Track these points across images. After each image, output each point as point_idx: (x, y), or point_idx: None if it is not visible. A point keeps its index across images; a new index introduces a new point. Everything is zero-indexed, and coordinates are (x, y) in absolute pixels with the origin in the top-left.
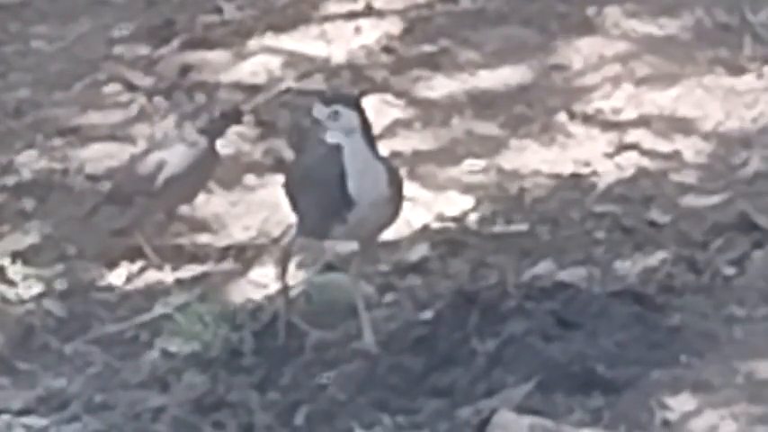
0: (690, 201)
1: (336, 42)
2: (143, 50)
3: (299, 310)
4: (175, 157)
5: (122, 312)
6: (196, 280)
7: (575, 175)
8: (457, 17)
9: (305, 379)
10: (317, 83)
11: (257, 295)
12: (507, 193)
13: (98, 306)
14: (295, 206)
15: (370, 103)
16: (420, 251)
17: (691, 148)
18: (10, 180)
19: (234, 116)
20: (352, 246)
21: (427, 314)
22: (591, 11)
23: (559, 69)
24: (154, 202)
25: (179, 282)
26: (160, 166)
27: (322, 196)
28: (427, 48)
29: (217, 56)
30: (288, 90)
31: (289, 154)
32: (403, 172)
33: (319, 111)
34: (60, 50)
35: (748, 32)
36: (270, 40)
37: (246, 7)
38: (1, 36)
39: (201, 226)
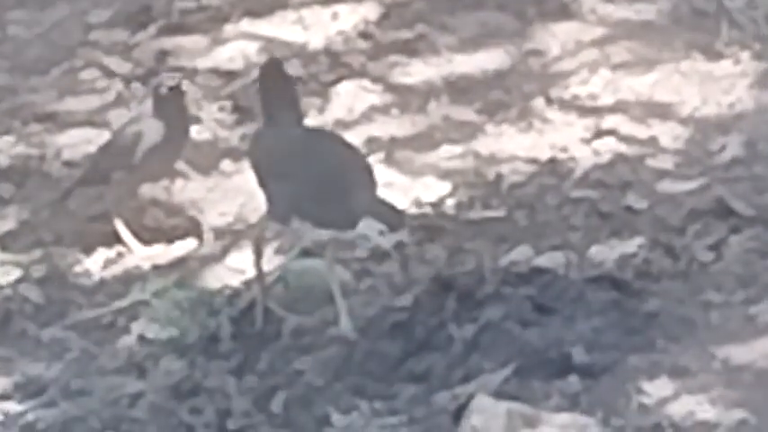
0: (667, 186)
1: (313, 28)
2: (120, 36)
3: (276, 296)
4: (151, 130)
5: (99, 298)
6: (173, 266)
7: (552, 161)
8: (434, 3)
9: (282, 364)
10: (294, 68)
11: (234, 281)
12: (484, 179)
13: (75, 292)
14: (264, 187)
15: (347, 88)
16: (397, 236)
17: (668, 134)
18: None
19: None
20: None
21: (404, 300)
22: None
23: (536, 55)
24: (133, 176)
25: (156, 267)
26: (137, 138)
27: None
28: (404, 33)
29: (194, 41)
30: None
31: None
32: (380, 157)
33: None
34: (37, 36)
35: (725, 18)
36: (247, 25)
37: None
38: None
39: (178, 211)
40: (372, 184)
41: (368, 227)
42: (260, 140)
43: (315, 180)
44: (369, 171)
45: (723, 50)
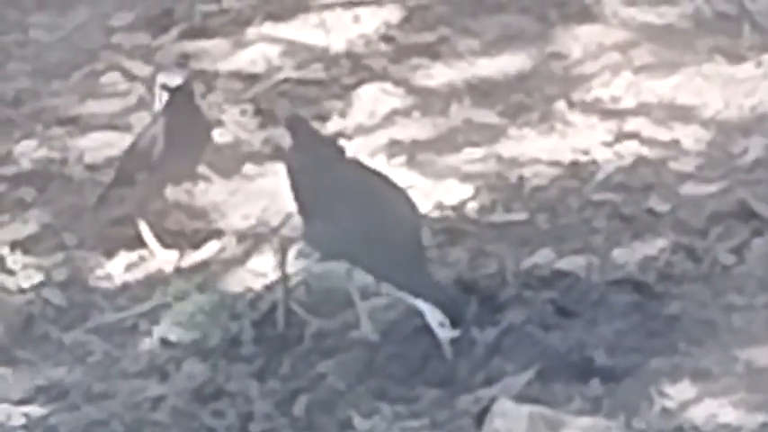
0: (689, 189)
1: (335, 31)
2: (142, 40)
3: (299, 299)
4: (168, 128)
5: (122, 301)
6: (195, 269)
7: (574, 164)
8: (456, 5)
9: (304, 368)
10: (315, 72)
11: (256, 284)
12: (506, 182)
13: (97, 295)
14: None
15: (368, 92)
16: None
17: (690, 137)
18: (9, 170)
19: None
20: None
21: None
22: None
23: (558, 58)
24: (154, 178)
25: (178, 271)
26: (154, 139)
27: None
28: (426, 36)
29: (215, 45)
30: (287, 79)
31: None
32: (402, 160)
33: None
34: (59, 40)
35: (747, 21)
36: (268, 28)
37: None
38: None
39: (200, 214)
40: (417, 229)
41: (430, 314)
42: (304, 167)
43: (364, 228)
44: (413, 213)
45: (745, 53)
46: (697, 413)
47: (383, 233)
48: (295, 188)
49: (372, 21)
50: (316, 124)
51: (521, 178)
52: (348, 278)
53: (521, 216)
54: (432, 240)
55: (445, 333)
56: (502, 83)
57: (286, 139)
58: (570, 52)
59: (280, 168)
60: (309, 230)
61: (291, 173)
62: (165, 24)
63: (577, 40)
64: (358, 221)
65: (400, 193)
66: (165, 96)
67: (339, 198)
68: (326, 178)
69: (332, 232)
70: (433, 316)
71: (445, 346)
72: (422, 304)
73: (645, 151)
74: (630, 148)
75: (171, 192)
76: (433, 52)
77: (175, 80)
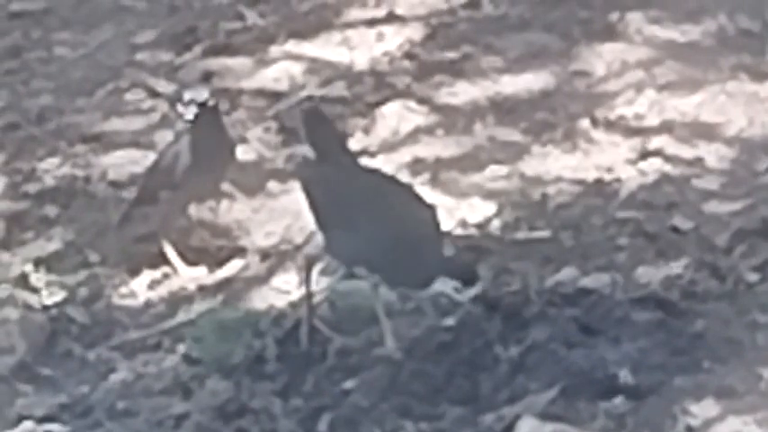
0: (713, 207)
1: (359, 49)
2: (165, 57)
3: (322, 317)
4: (190, 147)
5: (145, 319)
6: (219, 287)
7: (597, 182)
8: (479, 23)
9: (328, 385)
10: (339, 89)
11: (280, 302)
12: (530, 200)
13: (121, 313)
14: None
15: (392, 109)
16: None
17: (713, 154)
18: (33, 187)
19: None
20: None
21: (450, 320)
22: (613, 17)
23: (582, 75)
24: (177, 196)
25: (202, 288)
26: (177, 157)
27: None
28: (449, 54)
29: (239, 62)
30: (310, 97)
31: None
32: (426, 178)
33: None
34: (83, 57)
35: None
36: (292, 46)
37: (269, 14)
38: (24, 43)
39: (224, 232)
40: (440, 236)
41: (443, 284)
42: (318, 179)
43: (385, 235)
44: (435, 221)
45: None
46: (721, 431)
47: (399, 238)
48: (311, 200)
49: (396, 38)
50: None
51: (544, 196)
52: (374, 295)
53: (544, 234)
54: (458, 256)
55: (464, 296)
56: (525, 100)
57: (307, 151)
58: (594, 70)
59: None
60: (329, 241)
61: (306, 185)
62: (188, 42)
63: (601, 58)
64: (376, 228)
65: (414, 196)
66: (193, 111)
67: (354, 206)
68: (341, 187)
69: (350, 241)
70: (447, 285)
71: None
72: (436, 286)
73: (668, 169)
74: (654, 166)
75: (194, 209)
76: (456, 70)
77: (202, 95)
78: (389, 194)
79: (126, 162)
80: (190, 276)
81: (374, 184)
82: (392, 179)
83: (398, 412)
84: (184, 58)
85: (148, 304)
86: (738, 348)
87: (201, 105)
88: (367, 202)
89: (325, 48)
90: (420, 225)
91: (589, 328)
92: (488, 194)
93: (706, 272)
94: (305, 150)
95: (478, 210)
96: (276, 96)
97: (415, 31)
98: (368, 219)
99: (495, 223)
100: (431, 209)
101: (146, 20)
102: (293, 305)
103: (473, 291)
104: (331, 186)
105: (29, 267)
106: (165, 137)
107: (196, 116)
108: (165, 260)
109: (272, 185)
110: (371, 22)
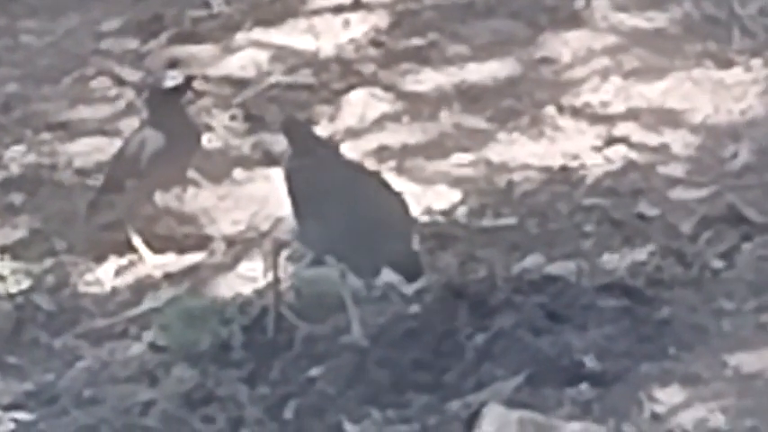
0: (678, 194)
1: (324, 36)
2: (131, 45)
3: (289, 304)
4: (154, 136)
5: (111, 307)
6: (185, 274)
7: (563, 169)
8: (445, 10)
9: (294, 373)
10: (305, 77)
11: (246, 289)
12: (496, 187)
13: (87, 300)
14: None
15: (358, 96)
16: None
17: (679, 141)
18: None
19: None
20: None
21: (416, 308)
22: (579, 4)
23: (548, 63)
24: (143, 184)
25: (168, 276)
26: (142, 145)
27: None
28: (415, 41)
29: (205, 50)
30: (276, 84)
31: (279, 148)
32: (391, 165)
33: None
34: (49, 45)
35: (737, 25)
36: (258, 34)
37: (234, 1)
38: None
39: (190, 220)
40: (407, 231)
41: (388, 276)
42: (299, 171)
43: (351, 225)
44: (405, 216)
45: (735, 58)
46: (686, 418)
47: (367, 226)
48: (292, 190)
49: (361, 26)
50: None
51: (510, 183)
52: (341, 283)
53: (510, 221)
54: (422, 246)
55: (409, 289)
56: (491, 88)
57: (279, 144)
58: (560, 57)
59: (270, 173)
60: (302, 230)
61: (289, 175)
62: (154, 29)
63: (567, 45)
64: (343, 217)
65: (393, 193)
66: (156, 99)
67: (331, 198)
68: (321, 179)
69: (320, 230)
70: (391, 278)
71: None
72: (384, 276)
73: (634, 156)
74: (620, 153)
75: (160, 197)
76: (422, 57)
77: (166, 83)
78: (359, 186)
79: (92, 150)
80: (156, 264)
81: (347, 176)
82: (365, 170)
83: (365, 400)
84: (150, 45)
85: (114, 292)
86: (704, 335)
87: (166, 92)
88: (339, 192)
89: (291, 35)
90: (387, 214)
91: (555, 315)
92: (454, 182)
93: (672, 259)
94: (274, 140)
95: (444, 197)
96: (242, 84)
97: (381, 19)
98: (338, 209)
99: (461, 210)
100: (401, 199)
101: (111, 7)
102: (259, 293)
103: (415, 285)
104: (309, 178)
105: None
106: (131, 124)
107: (158, 104)
108: (131, 248)
109: (238, 173)
110: (337, 10)
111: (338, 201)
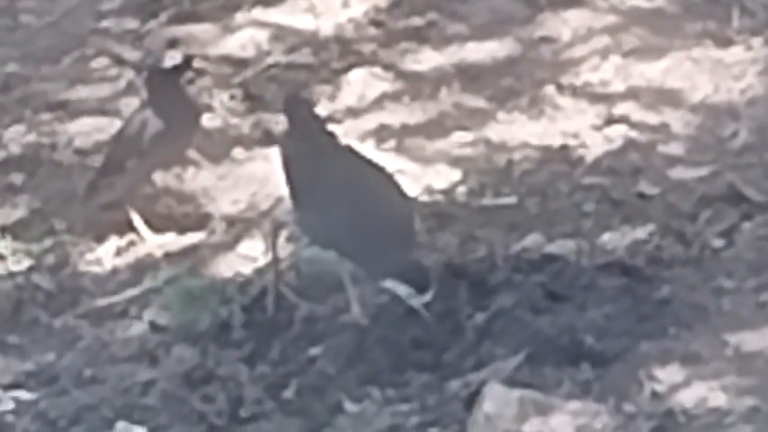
0: (678, 173)
1: (324, 16)
2: (131, 24)
3: (289, 284)
4: (155, 116)
5: (111, 286)
6: (185, 254)
7: (563, 148)
8: None
9: (294, 352)
10: (304, 56)
11: (246, 269)
12: (495, 166)
13: (87, 280)
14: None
15: (358, 76)
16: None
17: (679, 121)
18: None
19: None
20: None
21: None
22: None
23: (547, 42)
24: (143, 164)
25: (168, 256)
26: (143, 125)
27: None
28: (415, 21)
29: (204, 29)
30: (276, 64)
31: (279, 127)
32: (391, 145)
33: None
34: (48, 25)
35: (736, 4)
36: (257, 13)
37: None
38: None
39: (190, 199)
40: (412, 233)
41: (395, 287)
42: (298, 157)
43: (353, 221)
44: (410, 215)
45: (734, 37)
46: (686, 397)
47: (371, 225)
48: (289, 176)
49: (361, 5)
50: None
51: (510, 162)
52: (339, 263)
53: (510, 200)
54: (421, 225)
55: (417, 301)
56: (491, 67)
57: (280, 123)
58: (559, 36)
59: (269, 153)
60: (300, 219)
61: (286, 161)
62: (153, 9)
63: (566, 24)
64: (347, 212)
65: (392, 182)
66: (155, 79)
67: (330, 188)
68: (319, 167)
69: (321, 222)
70: (399, 289)
71: (422, 312)
72: (389, 284)
73: (634, 135)
74: (619, 132)
75: (160, 177)
76: (421, 37)
77: (165, 64)
78: (366, 181)
79: (92, 130)
80: (156, 244)
81: (352, 169)
82: (368, 162)
83: (364, 379)
84: (150, 25)
85: (114, 272)
86: (704, 314)
87: (165, 72)
88: (342, 186)
89: (291, 14)
90: (394, 217)
91: (555, 295)
92: (454, 161)
93: (671, 238)
94: (274, 120)
95: (444, 176)
96: (242, 63)
97: None
98: (341, 203)
99: (461, 190)
100: (409, 202)
101: None
102: (259, 272)
103: (424, 298)
104: (309, 166)
105: None
106: (130, 104)
107: (158, 83)
108: (131, 227)
109: (238, 152)
110: None
111: (340, 194)
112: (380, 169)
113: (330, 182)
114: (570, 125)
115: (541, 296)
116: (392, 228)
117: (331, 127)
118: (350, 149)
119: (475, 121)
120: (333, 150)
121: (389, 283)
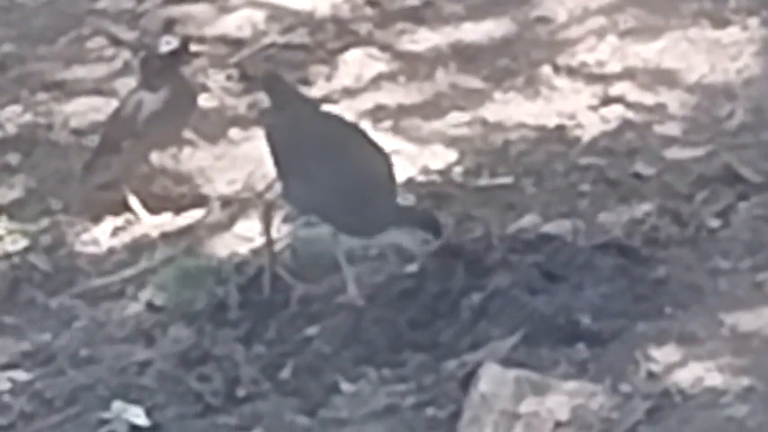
0: (674, 153)
1: None
2: (127, 4)
3: (285, 264)
4: (151, 97)
5: (108, 266)
6: (181, 234)
7: (559, 128)
8: None
9: (290, 332)
10: (301, 37)
11: (242, 249)
12: (492, 146)
13: (83, 260)
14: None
15: (354, 56)
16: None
17: (675, 101)
18: None
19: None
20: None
21: (412, 267)
22: None
23: (544, 22)
24: (139, 144)
25: (164, 236)
26: (139, 105)
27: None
28: (411, 1)
29: (201, 9)
30: (272, 44)
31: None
32: (387, 125)
33: None
34: (44, 5)
35: None
36: None
37: None
38: None
39: (186, 180)
40: (393, 183)
41: (407, 237)
42: (278, 127)
43: (337, 183)
44: (389, 168)
45: (731, 17)
46: (683, 377)
47: (354, 184)
48: (272, 147)
49: None
50: (302, 89)
51: (506, 142)
52: (335, 242)
53: (506, 180)
54: (417, 205)
55: (432, 246)
56: (487, 47)
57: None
58: (555, 16)
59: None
60: (285, 189)
61: (268, 132)
62: None
63: (563, 4)
64: (329, 176)
65: (374, 146)
66: (151, 62)
67: (313, 155)
68: (301, 135)
69: (304, 189)
70: (415, 239)
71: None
72: (398, 236)
73: (630, 115)
74: (616, 113)
75: (156, 157)
76: (418, 17)
77: (161, 49)
78: (343, 143)
79: (88, 110)
80: (152, 224)
81: (330, 132)
82: (348, 125)
83: (361, 359)
84: (146, 5)
85: (111, 252)
86: (700, 294)
87: (163, 55)
88: (321, 150)
89: None
90: (373, 172)
91: (551, 275)
92: (450, 141)
93: (668, 218)
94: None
95: (440, 156)
96: (238, 44)
97: None
98: (321, 167)
99: (457, 170)
100: (385, 156)
101: None
102: (256, 252)
103: (440, 240)
104: (289, 134)
105: None
106: (126, 84)
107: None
108: (127, 207)
109: (234, 133)
110: None
111: (321, 158)
112: (353, 126)
113: (309, 147)
114: (566, 105)
115: (538, 276)
116: (374, 183)
117: (327, 107)
118: (326, 113)
119: (471, 102)
120: (310, 117)
121: (399, 236)
